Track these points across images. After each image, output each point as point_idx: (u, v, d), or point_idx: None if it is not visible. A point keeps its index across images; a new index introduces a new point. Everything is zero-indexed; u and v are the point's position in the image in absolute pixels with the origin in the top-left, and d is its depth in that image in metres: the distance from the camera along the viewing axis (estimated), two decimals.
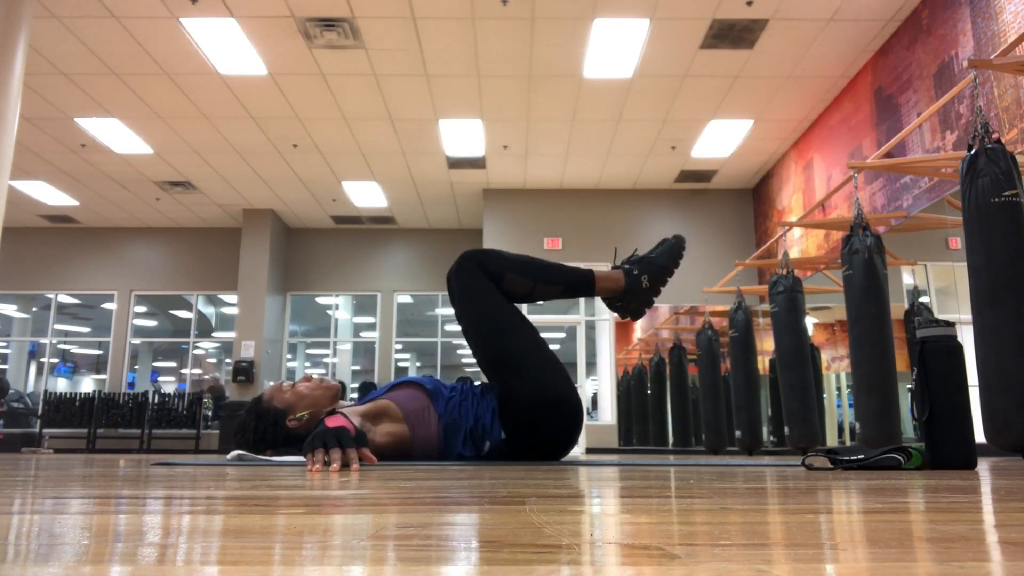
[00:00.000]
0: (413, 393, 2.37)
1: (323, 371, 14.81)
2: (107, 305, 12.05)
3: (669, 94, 7.72)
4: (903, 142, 6.35)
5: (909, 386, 2.25)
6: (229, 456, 2.53)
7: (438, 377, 2.50)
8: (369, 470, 1.68)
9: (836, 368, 7.73)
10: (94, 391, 10.98)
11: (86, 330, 13.16)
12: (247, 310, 10.96)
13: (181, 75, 7.30)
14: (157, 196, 10.65)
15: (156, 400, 10.85)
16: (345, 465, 1.72)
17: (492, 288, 2.36)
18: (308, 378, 2.45)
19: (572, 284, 2.38)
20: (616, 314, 2.44)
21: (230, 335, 12.03)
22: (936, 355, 2.08)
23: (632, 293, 2.37)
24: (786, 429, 6.08)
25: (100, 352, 12.71)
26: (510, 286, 2.35)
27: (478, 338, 2.40)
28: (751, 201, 10.45)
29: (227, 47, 6.77)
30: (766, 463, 2.52)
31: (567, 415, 2.33)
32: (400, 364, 16.08)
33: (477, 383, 2.46)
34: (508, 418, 2.32)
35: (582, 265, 2.67)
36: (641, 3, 6.18)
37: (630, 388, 10.11)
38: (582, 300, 10.02)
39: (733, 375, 7.20)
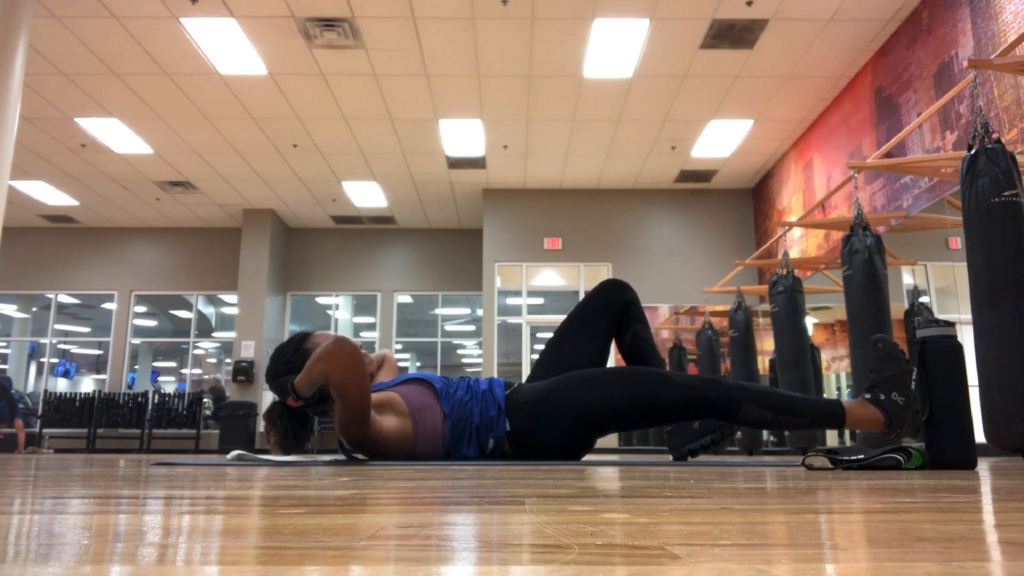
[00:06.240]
0: (420, 390, 2.38)
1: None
2: (107, 305, 12.04)
3: (669, 94, 7.72)
4: (903, 142, 6.35)
5: None
6: (229, 456, 2.54)
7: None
8: (370, 470, 1.68)
9: (836, 368, 7.73)
10: (94, 391, 10.98)
11: (86, 330, 13.16)
12: (247, 310, 10.95)
13: (181, 75, 7.30)
14: (157, 196, 10.65)
15: (156, 400, 10.85)
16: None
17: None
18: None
19: (819, 416, 2.26)
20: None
21: (230, 335, 12.03)
22: (936, 355, 2.08)
23: (898, 418, 2.24)
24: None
25: (100, 352, 12.70)
26: (746, 415, 2.23)
27: (588, 345, 2.50)
28: (751, 201, 10.45)
29: (227, 47, 6.77)
30: (766, 463, 2.53)
31: (579, 442, 2.39)
32: (400, 364, 16.06)
33: (483, 379, 2.46)
34: (526, 414, 2.35)
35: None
36: (641, 3, 6.18)
37: None
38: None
39: (733, 375, 7.19)
